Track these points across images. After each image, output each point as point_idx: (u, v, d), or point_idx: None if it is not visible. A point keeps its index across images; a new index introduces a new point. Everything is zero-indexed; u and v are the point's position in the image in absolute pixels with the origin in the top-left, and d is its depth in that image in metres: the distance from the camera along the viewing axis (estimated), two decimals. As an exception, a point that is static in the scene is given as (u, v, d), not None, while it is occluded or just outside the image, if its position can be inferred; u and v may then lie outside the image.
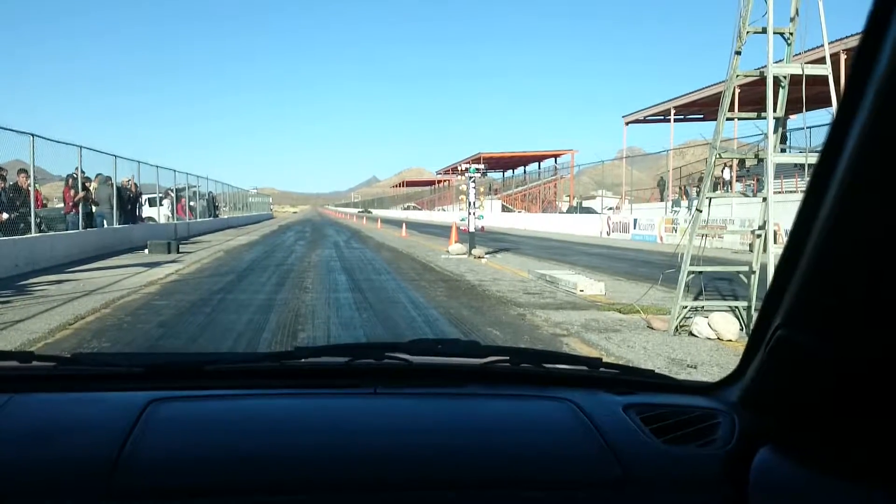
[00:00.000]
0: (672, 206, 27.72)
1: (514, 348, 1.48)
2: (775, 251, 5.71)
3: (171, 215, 25.77)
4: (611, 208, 35.50)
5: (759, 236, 6.44)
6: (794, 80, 6.09)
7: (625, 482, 1.02)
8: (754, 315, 6.08)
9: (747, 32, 6.02)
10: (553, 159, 53.54)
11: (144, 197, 23.39)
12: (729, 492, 1.01)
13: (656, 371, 1.54)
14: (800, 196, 0.89)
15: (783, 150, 13.43)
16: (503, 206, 52.95)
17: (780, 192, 17.39)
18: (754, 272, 6.42)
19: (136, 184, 21.12)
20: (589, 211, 37.61)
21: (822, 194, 0.81)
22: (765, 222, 6.22)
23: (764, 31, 5.96)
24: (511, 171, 63.42)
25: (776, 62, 6.05)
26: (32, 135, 12.81)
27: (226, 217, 40.09)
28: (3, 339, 6.25)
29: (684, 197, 27.83)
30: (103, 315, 7.65)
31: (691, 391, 1.33)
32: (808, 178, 0.93)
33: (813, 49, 9.15)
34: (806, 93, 5.86)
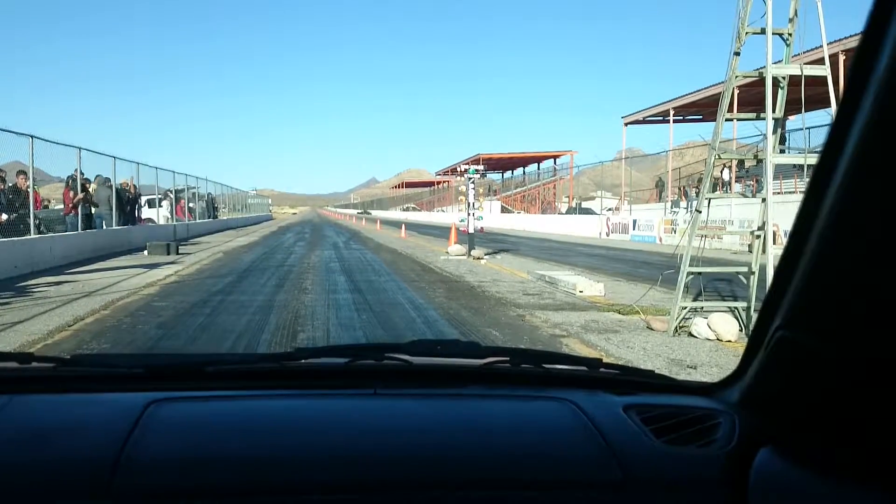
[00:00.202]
0: (671, 207, 27.74)
1: (513, 349, 1.48)
2: (775, 252, 5.72)
3: (170, 216, 25.76)
4: (610, 209, 35.51)
5: (758, 237, 6.44)
6: (794, 80, 6.09)
7: (625, 483, 1.02)
8: (754, 316, 6.08)
9: (746, 33, 6.03)
10: (552, 160, 53.55)
11: (143, 198, 23.38)
12: (729, 492, 1.01)
13: (656, 372, 1.54)
14: (799, 197, 0.89)
15: (782, 151, 13.43)
16: (502, 207, 52.94)
17: (779, 193, 17.40)
18: (753, 273, 6.42)
19: (135, 185, 21.12)
20: (588, 212, 37.62)
21: (821, 195, 0.81)
22: (764, 223, 6.22)
23: (763, 31, 5.97)
24: (510, 172, 63.44)
25: (775, 63, 6.06)
26: (31, 136, 12.80)
27: (225, 218, 40.08)
28: (2, 340, 6.25)
29: (683, 198, 27.85)
30: (102, 316, 7.64)
31: (691, 392, 1.33)
32: (807, 179, 0.93)
33: (812, 50, 9.15)
34: (805, 94, 5.86)
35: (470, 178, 16.62)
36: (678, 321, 6.56)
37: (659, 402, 1.25)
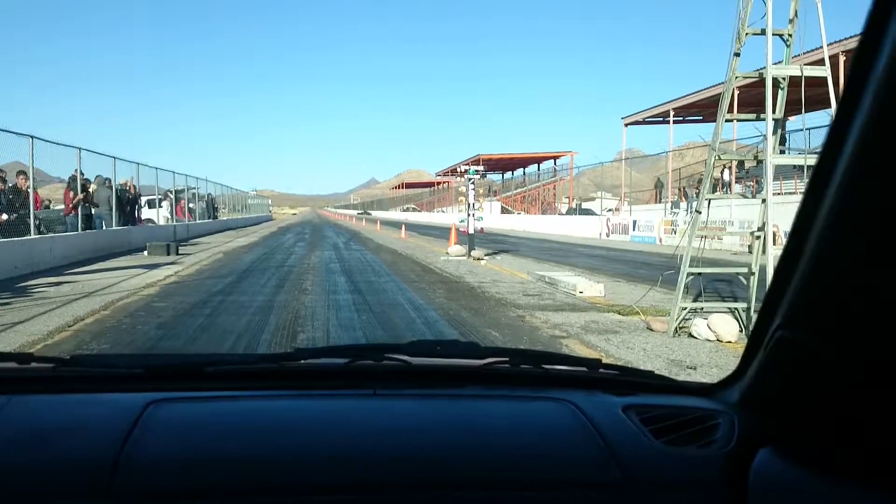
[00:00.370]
0: (671, 208, 27.75)
1: (513, 349, 1.48)
2: (774, 252, 5.72)
3: (170, 217, 25.76)
4: (610, 210, 35.52)
5: (758, 238, 6.44)
6: (794, 81, 6.09)
7: (624, 483, 1.02)
8: (753, 316, 6.08)
9: (746, 34, 6.03)
10: (552, 161, 53.57)
11: (143, 198, 23.39)
12: (729, 493, 1.00)
13: (656, 372, 1.54)
14: (799, 197, 0.89)
15: (782, 152, 13.43)
16: (503, 207, 52.96)
17: (779, 194, 17.41)
18: (753, 273, 6.42)
19: (135, 185, 21.12)
20: (588, 213, 37.63)
21: (821, 195, 0.81)
22: (764, 223, 6.22)
23: (763, 32, 5.97)
24: (510, 172, 63.45)
25: (775, 64, 6.06)
26: (32, 136, 12.81)
27: (225, 219, 40.08)
28: (2, 340, 6.24)
29: (683, 198, 27.85)
30: (102, 317, 7.64)
31: (691, 392, 1.33)
32: (807, 180, 0.93)
33: (812, 51, 9.15)
34: (805, 94, 5.86)
35: (470, 179, 16.62)
36: (678, 322, 6.56)
37: (658, 403, 1.25)
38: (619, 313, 7.90)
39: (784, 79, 6.08)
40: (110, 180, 18.18)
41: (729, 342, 6.13)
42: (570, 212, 39.91)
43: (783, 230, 9.65)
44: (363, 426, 1.12)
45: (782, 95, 6.18)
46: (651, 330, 6.78)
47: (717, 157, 6.58)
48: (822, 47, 5.95)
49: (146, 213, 24.43)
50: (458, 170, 19.31)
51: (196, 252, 18.16)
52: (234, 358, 1.80)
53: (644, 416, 1.17)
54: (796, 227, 0.88)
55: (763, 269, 6.01)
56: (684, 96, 30.82)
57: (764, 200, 6.26)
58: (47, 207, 17.75)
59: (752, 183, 25.34)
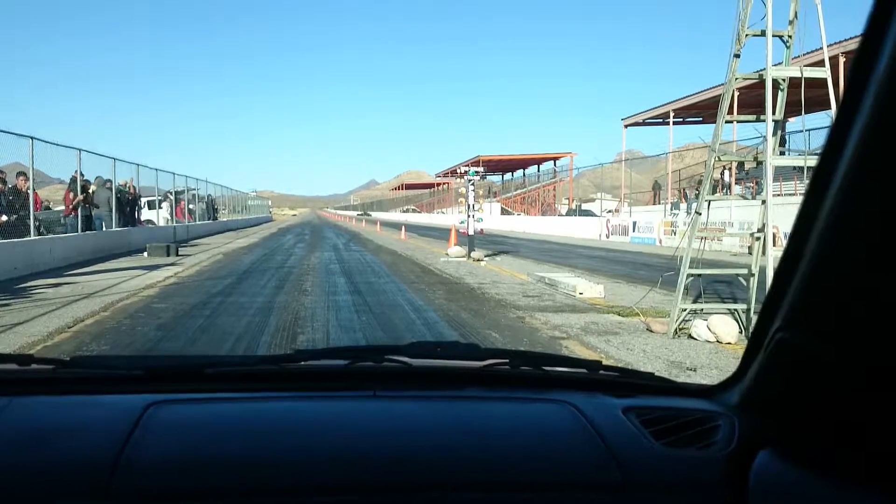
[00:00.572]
0: (671, 209, 27.75)
1: (513, 351, 1.48)
2: (774, 254, 5.72)
3: (170, 218, 25.77)
4: (610, 211, 35.53)
5: (758, 239, 6.44)
6: (793, 82, 6.10)
7: (624, 485, 1.02)
8: (753, 318, 6.08)
9: (746, 35, 6.04)
10: (552, 162, 53.59)
11: (143, 199, 23.40)
12: (729, 495, 1.00)
13: (656, 374, 1.54)
14: (799, 199, 0.89)
15: (782, 153, 13.43)
16: (502, 208, 52.97)
17: (779, 195, 17.41)
18: (753, 275, 6.42)
19: (135, 186, 21.13)
20: (588, 214, 37.64)
21: (821, 196, 0.81)
22: (764, 225, 6.22)
23: (763, 33, 5.97)
24: (510, 173, 63.47)
25: (775, 65, 6.06)
26: (32, 137, 12.82)
27: (225, 220, 40.10)
28: (1, 342, 6.24)
29: (683, 199, 27.86)
30: (102, 318, 7.64)
31: (691, 394, 1.33)
32: (807, 181, 0.93)
33: (812, 52, 9.16)
34: (805, 96, 5.87)
35: (470, 180, 16.63)
36: (678, 323, 6.56)
37: (658, 405, 1.25)
38: (619, 314, 7.90)
39: (784, 80, 6.08)
40: (110, 181, 18.19)
41: (729, 343, 6.13)
42: (569, 213, 39.92)
43: (783, 231, 9.66)
44: (363, 427, 1.12)
45: (782, 97, 6.18)
46: (651, 331, 6.78)
47: (716, 159, 6.58)
48: (822, 48, 5.95)
49: (146, 214, 24.44)
50: (458, 171, 19.32)
51: (196, 253, 18.16)
52: (234, 359, 1.79)
53: (644, 417, 1.17)
54: (796, 229, 0.88)
55: (763, 271, 6.01)
56: (684, 97, 30.84)
57: (764, 202, 6.27)
58: (47, 208, 17.76)
59: (751, 184, 25.35)
